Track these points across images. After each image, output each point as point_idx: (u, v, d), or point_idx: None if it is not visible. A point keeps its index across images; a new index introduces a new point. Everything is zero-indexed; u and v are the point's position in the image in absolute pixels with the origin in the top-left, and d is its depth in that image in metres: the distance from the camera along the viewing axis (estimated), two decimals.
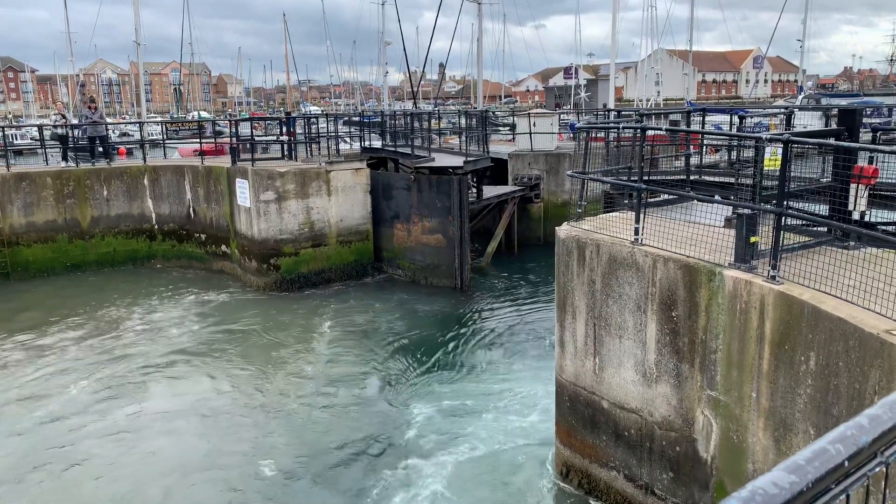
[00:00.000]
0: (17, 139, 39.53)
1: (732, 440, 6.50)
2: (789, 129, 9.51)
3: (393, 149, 21.32)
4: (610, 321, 7.71)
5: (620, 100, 71.21)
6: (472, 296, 17.15)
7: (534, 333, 14.44)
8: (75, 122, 23.75)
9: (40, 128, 26.12)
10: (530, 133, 22.93)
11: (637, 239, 7.36)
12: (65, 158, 20.98)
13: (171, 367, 12.83)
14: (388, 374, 12.44)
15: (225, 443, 10.08)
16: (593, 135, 9.02)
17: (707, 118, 12.64)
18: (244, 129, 23.16)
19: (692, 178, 9.80)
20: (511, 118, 32.87)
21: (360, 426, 10.49)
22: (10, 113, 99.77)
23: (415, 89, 55.37)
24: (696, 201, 8.20)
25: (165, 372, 12.64)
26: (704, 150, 13.01)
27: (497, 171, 23.04)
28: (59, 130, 21.53)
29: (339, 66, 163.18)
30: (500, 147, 25.56)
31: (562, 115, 34.78)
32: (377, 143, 23.12)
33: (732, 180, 8.94)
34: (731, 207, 7.24)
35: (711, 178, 10.32)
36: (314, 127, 21.76)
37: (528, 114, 25.09)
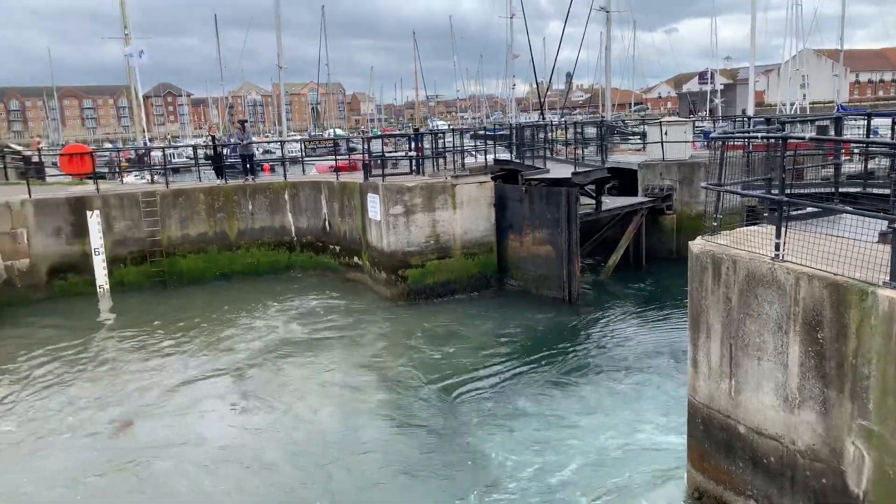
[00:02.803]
0: (174, 158, 43.38)
1: (888, 475, 5.94)
2: None
3: (516, 161, 21.38)
4: (747, 341, 7.30)
5: (761, 104, 67.09)
6: (582, 308, 16.86)
7: (658, 351, 13.91)
8: (225, 142, 25.79)
9: (195, 148, 28.56)
10: (661, 142, 22.17)
11: (778, 255, 6.93)
12: (219, 176, 22.88)
13: (296, 366, 13.72)
14: (502, 388, 12.39)
15: (343, 442, 10.51)
16: (731, 143, 8.59)
17: (859, 122, 11.64)
18: (376, 145, 24.11)
19: (841, 189, 9.08)
20: (641, 126, 31.96)
21: (476, 439, 10.45)
22: (168, 134, 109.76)
23: (541, 100, 55.19)
24: (844, 214, 7.59)
25: (292, 370, 13.55)
26: (858, 158, 12.00)
27: (627, 181, 22.49)
28: (211, 151, 23.51)
29: (466, 80, 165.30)
30: (629, 157, 24.92)
31: (696, 123, 33.32)
32: (504, 156, 23.27)
33: (888, 192, 8.18)
34: (886, 222, 6.64)
35: (862, 189, 9.51)
36: (440, 142, 22.27)
37: (660, 122, 24.28)
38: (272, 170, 35.07)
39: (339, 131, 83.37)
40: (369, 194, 18.59)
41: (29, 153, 41.34)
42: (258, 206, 21.30)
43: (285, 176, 22.54)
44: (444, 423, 11.08)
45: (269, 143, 56.63)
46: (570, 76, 79.04)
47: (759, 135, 9.12)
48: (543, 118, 49.70)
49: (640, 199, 21.28)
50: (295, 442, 10.61)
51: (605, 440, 10.24)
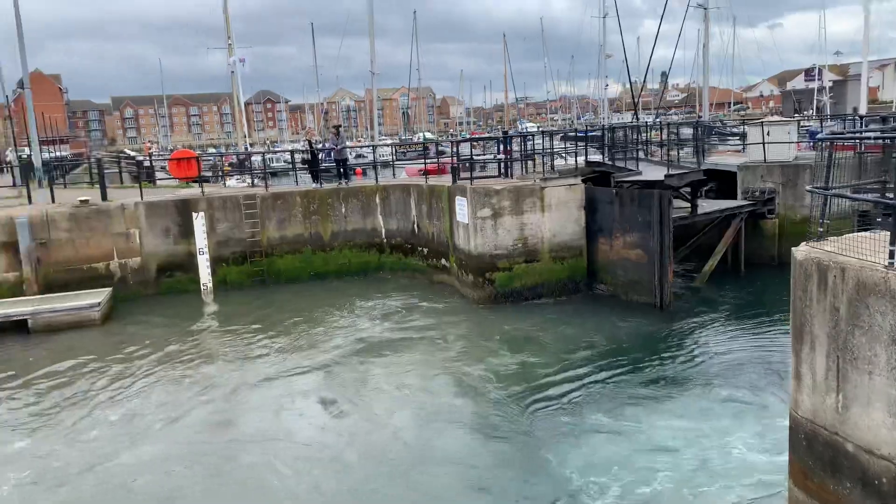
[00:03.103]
0: (273, 162, 45.23)
1: None
2: None
3: (607, 163, 20.96)
4: (856, 354, 6.84)
5: (875, 102, 62.79)
6: (675, 315, 16.27)
7: (755, 362, 13.22)
8: (320, 147, 26.68)
9: (292, 153, 29.65)
10: (763, 143, 21.15)
11: (892, 263, 6.46)
12: (315, 179, 23.73)
13: (379, 367, 13.98)
14: (584, 399, 11.99)
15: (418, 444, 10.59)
16: (840, 143, 8.08)
17: None
18: (464, 148, 24.28)
19: None
20: (741, 127, 30.64)
21: (554, 455, 10.09)
22: (267, 139, 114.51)
23: (635, 100, 53.91)
24: None
25: (375, 370, 13.85)
26: None
27: (725, 184, 21.60)
28: (308, 155, 24.40)
29: (556, 81, 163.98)
30: (727, 158, 23.93)
31: (801, 122, 31.55)
32: (596, 157, 22.88)
33: None
34: None
35: None
36: (529, 144, 22.14)
37: (761, 122, 23.18)
38: (364, 173, 35.95)
39: (428, 135, 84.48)
40: (457, 197, 18.72)
41: (141, 158, 44.22)
42: (350, 208, 21.89)
43: (377, 179, 23.06)
44: (522, 436, 10.80)
45: (361, 147, 58.08)
46: (665, 75, 76.73)
47: (873, 135, 8.55)
48: (637, 119, 48.50)
49: (739, 202, 20.38)
50: (372, 445, 10.66)
51: (695, 458, 9.76)
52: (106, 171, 24.43)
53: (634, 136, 24.41)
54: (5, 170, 41.63)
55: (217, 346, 15.87)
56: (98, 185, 22.28)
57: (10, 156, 45.89)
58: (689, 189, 19.19)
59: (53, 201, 20.79)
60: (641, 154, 24.67)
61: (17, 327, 16.82)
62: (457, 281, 19.48)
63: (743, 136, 25.69)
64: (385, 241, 22.17)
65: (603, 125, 36.54)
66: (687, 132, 27.98)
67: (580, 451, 10.19)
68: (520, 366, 13.67)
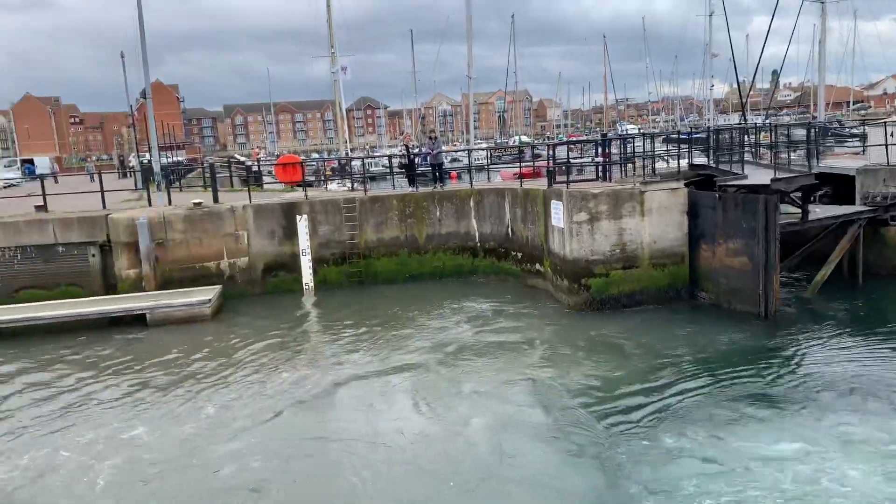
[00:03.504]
0: (371, 167, 46.44)
1: None
2: None
3: (711, 166, 20.13)
4: None
5: None
6: (780, 326, 15.35)
7: (872, 383, 12.10)
8: (417, 152, 27.16)
9: (390, 157, 30.34)
10: (885, 144, 19.68)
11: None
12: (411, 183, 24.19)
13: (464, 371, 13.89)
14: (675, 417, 11.22)
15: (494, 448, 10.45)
16: None
17: None
18: (561, 151, 24.01)
19: None
20: (861, 127, 28.67)
21: (639, 485, 9.38)
22: (367, 144, 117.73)
23: (743, 100, 51.57)
24: None
25: (461, 374, 13.76)
26: None
27: (841, 189, 20.26)
28: (405, 160, 24.90)
29: (659, 81, 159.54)
30: (844, 162, 22.45)
31: None
32: (701, 160, 22.03)
33: None
34: None
35: None
36: (629, 146, 21.60)
37: (884, 122, 21.58)
38: (459, 177, 36.26)
39: (524, 138, 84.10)
40: (553, 201, 18.53)
41: (250, 163, 46.56)
42: (445, 212, 22.12)
43: (471, 183, 23.19)
44: (606, 456, 10.13)
45: (456, 151, 58.66)
46: (776, 74, 72.84)
47: None
48: (745, 120, 46.34)
49: (857, 207, 19.03)
50: (446, 454, 10.47)
51: (797, 494, 8.84)
52: (217, 175, 25.84)
53: (741, 138, 23.31)
54: (129, 174, 44.99)
55: (314, 344, 16.45)
56: (210, 189, 23.64)
57: (133, 161, 49.53)
58: (799, 194, 18.12)
59: (170, 203, 22.22)
60: (749, 157, 23.55)
61: (137, 320, 18.10)
62: (551, 286, 19.27)
63: (863, 137, 24.02)
64: (479, 244, 22.25)
65: (708, 126, 35.17)
66: (800, 133, 26.43)
67: (664, 478, 9.39)
68: (608, 376, 13.24)
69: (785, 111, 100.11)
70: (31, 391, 14.00)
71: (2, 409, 13.19)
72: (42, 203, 21.90)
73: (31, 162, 51.78)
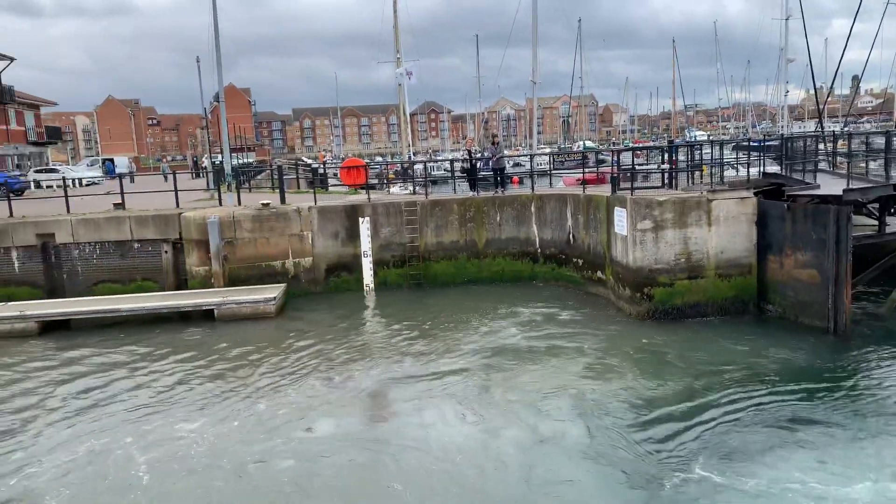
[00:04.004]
0: (433, 171, 46.79)
1: None
2: None
3: (782, 175, 19.43)
4: None
5: None
6: (851, 343, 14.64)
7: None
8: (479, 156, 27.23)
9: (451, 161, 30.49)
10: None
11: None
12: (472, 188, 24.25)
13: (510, 378, 13.75)
14: (731, 437, 10.63)
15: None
16: None
17: None
18: (626, 157, 23.62)
19: None
20: None
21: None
22: (430, 148, 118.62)
23: (820, 107, 49.55)
24: None
25: (509, 381, 13.61)
26: None
27: None
28: (467, 164, 25.00)
29: (730, 87, 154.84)
30: None
31: None
32: (774, 169, 21.27)
33: None
34: None
35: None
36: (697, 154, 21.06)
37: None
38: (521, 182, 36.09)
39: (588, 143, 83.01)
40: (616, 208, 18.24)
41: (316, 166, 47.61)
42: (505, 217, 22.07)
43: (532, 188, 23.06)
44: (652, 478, 9.58)
45: (519, 156, 58.41)
46: (856, 79, 69.75)
47: None
48: (822, 127, 44.51)
49: None
50: (486, 464, 10.29)
51: None
52: (285, 176, 26.55)
53: (815, 147, 22.40)
54: (201, 174, 46.74)
55: (371, 343, 16.65)
56: (278, 190, 24.30)
57: (206, 162, 51.39)
58: (876, 205, 17.29)
59: (239, 204, 22.98)
60: (826, 166, 22.60)
61: (205, 315, 18.79)
62: (612, 294, 18.97)
63: None
64: (539, 250, 22.10)
65: (781, 134, 33.96)
66: (879, 142, 25.19)
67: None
68: (665, 389, 12.81)
69: (866, 118, 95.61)
70: (104, 379, 14.71)
71: (73, 395, 13.92)
72: (120, 201, 23.02)
73: (111, 161, 54.45)
